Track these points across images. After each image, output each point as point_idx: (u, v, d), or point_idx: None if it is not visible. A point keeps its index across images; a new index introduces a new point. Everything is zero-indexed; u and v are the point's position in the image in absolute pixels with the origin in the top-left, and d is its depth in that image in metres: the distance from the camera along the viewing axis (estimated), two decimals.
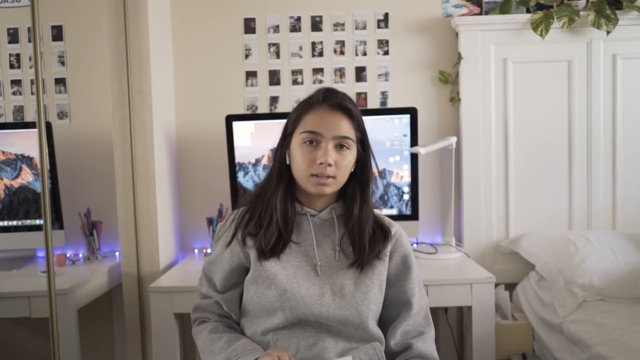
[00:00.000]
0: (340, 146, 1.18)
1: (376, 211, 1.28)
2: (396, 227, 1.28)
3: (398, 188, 2.12)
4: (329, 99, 1.19)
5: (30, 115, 2.32)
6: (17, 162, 2.11)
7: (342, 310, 1.15)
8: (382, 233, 1.24)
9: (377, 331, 1.21)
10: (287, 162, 1.22)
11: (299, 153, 1.18)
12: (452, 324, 2.25)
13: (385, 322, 1.25)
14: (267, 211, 1.20)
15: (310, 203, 1.24)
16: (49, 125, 2.04)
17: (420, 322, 1.25)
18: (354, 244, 1.21)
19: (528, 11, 2.25)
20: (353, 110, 1.20)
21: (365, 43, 2.32)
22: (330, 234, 1.23)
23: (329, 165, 1.15)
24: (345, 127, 1.18)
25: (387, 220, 1.29)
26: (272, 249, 1.18)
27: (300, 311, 1.14)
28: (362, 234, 1.20)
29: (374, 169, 1.26)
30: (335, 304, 1.16)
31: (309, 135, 1.17)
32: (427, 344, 1.23)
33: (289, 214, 1.21)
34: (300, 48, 2.33)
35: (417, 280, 1.27)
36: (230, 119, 2.11)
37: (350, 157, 1.20)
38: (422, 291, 1.29)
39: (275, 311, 1.15)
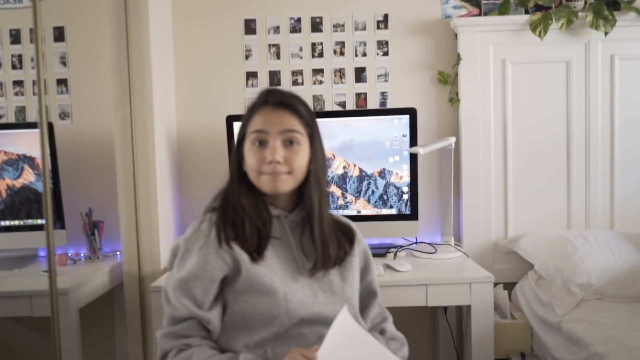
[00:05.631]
0: (289, 142, 1.17)
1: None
2: (352, 223, 1.33)
3: (397, 188, 2.13)
4: (271, 98, 1.19)
5: (32, 116, 2.33)
6: (19, 162, 2.13)
7: (337, 306, 1.14)
8: (343, 230, 1.28)
9: (361, 320, 1.25)
10: (244, 169, 1.20)
11: (250, 155, 1.17)
12: (451, 323, 2.26)
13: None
14: (237, 213, 1.17)
15: (277, 206, 1.22)
16: (50, 126, 2.05)
17: (382, 308, 1.35)
18: (324, 243, 1.20)
19: (527, 12, 2.26)
20: (297, 105, 1.19)
21: (365, 44, 2.33)
22: (303, 234, 1.23)
23: (278, 162, 1.14)
24: (291, 122, 1.17)
25: (342, 217, 1.33)
26: (257, 249, 1.15)
27: (302, 312, 1.13)
28: (326, 233, 1.21)
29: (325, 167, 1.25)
30: (328, 301, 1.17)
31: (256, 135, 1.17)
32: (393, 326, 1.34)
33: (262, 212, 1.19)
34: (301, 49, 2.34)
35: (375, 271, 1.35)
36: (230, 120, 2.12)
37: (302, 152, 1.17)
38: None
39: (274, 318, 1.11)
